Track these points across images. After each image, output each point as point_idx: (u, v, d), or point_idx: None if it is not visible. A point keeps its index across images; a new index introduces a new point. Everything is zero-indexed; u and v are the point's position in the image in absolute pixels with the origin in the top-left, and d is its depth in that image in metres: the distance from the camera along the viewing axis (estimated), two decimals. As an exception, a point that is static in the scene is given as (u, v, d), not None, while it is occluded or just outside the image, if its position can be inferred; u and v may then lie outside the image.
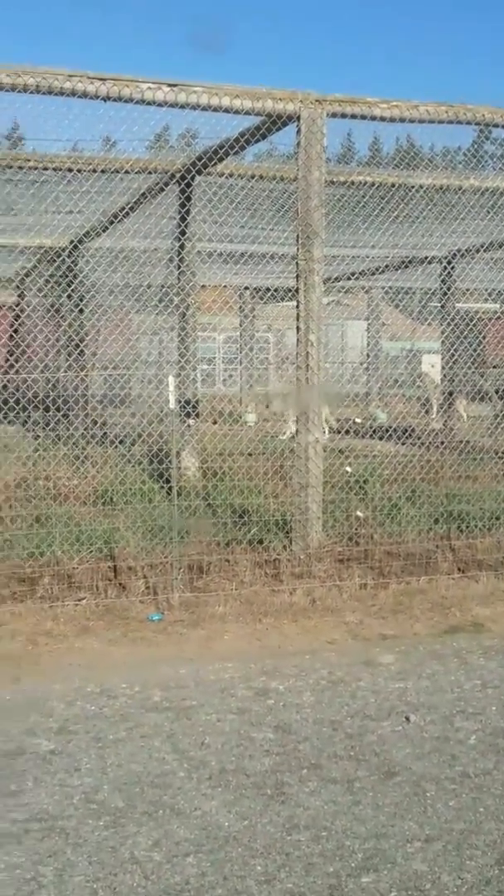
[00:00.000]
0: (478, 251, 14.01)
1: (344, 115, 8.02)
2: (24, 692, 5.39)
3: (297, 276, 7.84)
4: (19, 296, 17.51)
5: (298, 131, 7.82)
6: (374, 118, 8.08)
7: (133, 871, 3.56)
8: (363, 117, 8.07)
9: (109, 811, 4.03)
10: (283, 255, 14.36)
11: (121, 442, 10.04)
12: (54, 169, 10.07)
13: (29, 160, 10.11)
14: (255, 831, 3.85)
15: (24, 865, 3.60)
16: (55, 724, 4.93)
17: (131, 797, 4.15)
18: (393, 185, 9.79)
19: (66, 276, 13.15)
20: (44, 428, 10.19)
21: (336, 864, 3.61)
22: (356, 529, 7.79)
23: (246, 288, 20.22)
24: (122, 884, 3.48)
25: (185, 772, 4.39)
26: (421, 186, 9.98)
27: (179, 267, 10.47)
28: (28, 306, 16.39)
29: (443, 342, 15.37)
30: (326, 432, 16.19)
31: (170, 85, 7.42)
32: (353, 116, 8.05)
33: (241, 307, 21.14)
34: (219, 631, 6.48)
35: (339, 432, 10.27)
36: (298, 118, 7.78)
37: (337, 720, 5.00)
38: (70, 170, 10.03)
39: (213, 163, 9.19)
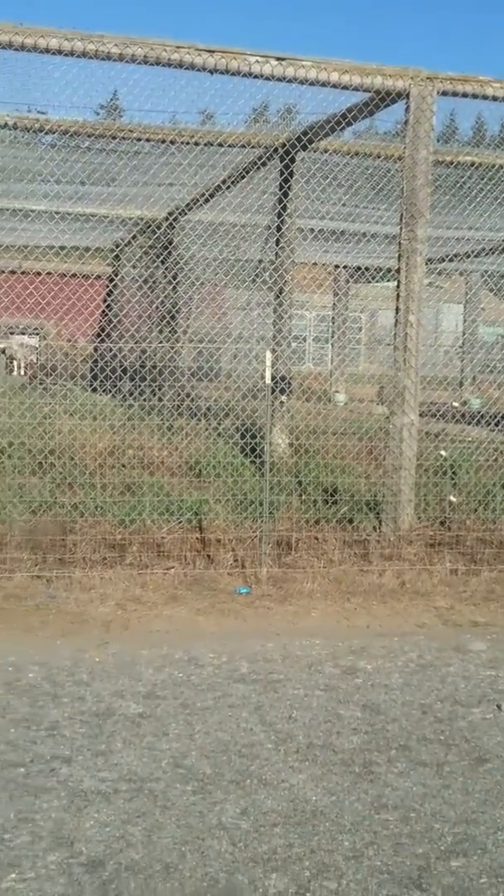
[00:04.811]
0: None
1: (455, 94, 7.87)
2: (114, 655, 5.46)
3: (399, 256, 7.73)
4: (116, 267, 17.63)
5: (407, 109, 7.70)
6: (485, 97, 7.91)
7: (221, 837, 3.58)
8: (475, 96, 7.90)
9: (197, 777, 4.05)
10: (381, 234, 14.22)
11: (213, 415, 10.07)
12: (157, 140, 10.05)
13: (133, 131, 10.11)
14: (342, 808, 3.84)
15: (113, 823, 3.65)
16: (143, 689, 4.98)
17: (219, 765, 4.17)
18: (501, 167, 9.59)
19: (163, 249, 13.20)
20: (135, 398, 10.25)
21: (425, 845, 3.58)
22: (448, 514, 7.69)
23: (344, 266, 20.03)
24: (210, 849, 3.50)
25: (273, 744, 4.40)
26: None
27: (278, 243, 10.41)
28: (126, 278, 16.49)
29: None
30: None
31: (278, 59, 7.35)
32: (465, 95, 7.88)
33: (335, 286, 20.97)
34: (306, 608, 6.48)
35: (435, 416, 10.11)
36: (408, 95, 7.66)
37: (426, 703, 4.95)
38: (173, 142, 10.00)
39: (318, 138, 9.11)
